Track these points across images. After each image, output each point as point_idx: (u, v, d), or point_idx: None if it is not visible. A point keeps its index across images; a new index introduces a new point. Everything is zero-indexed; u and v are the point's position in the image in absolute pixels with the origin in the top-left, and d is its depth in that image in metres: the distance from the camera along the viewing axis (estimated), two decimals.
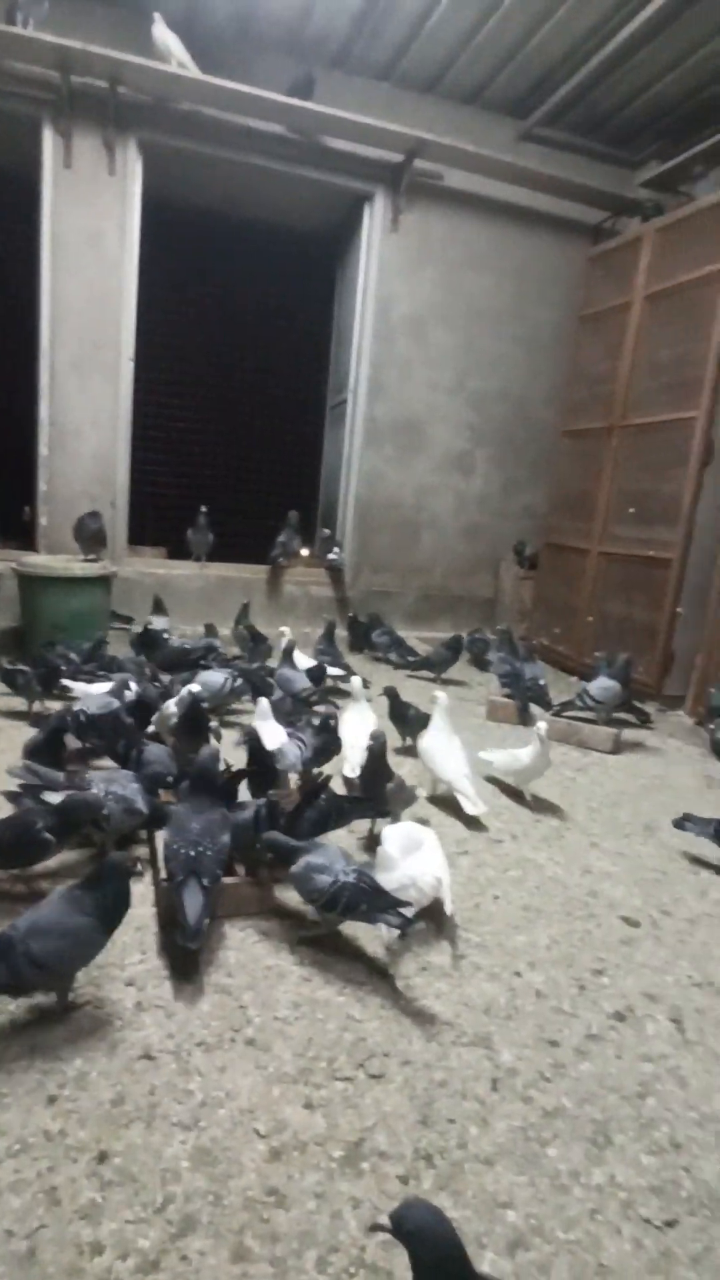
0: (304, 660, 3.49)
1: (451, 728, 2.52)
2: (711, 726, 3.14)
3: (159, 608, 4.17)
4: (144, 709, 2.65)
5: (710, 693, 3.40)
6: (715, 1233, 1.13)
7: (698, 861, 2.33)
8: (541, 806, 2.62)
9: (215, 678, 3.12)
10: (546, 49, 4.31)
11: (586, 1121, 1.31)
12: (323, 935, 1.72)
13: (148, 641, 3.68)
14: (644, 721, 3.65)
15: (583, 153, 5.17)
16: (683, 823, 2.35)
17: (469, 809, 2.38)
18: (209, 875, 1.62)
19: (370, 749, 2.13)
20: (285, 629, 3.60)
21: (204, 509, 4.90)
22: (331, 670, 3.57)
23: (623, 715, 3.57)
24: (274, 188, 4.86)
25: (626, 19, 3.90)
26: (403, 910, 1.58)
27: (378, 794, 2.10)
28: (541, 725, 2.50)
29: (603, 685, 3.39)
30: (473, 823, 2.42)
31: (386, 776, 2.15)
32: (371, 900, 1.59)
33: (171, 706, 2.53)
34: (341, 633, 4.51)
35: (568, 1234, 1.10)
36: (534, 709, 3.54)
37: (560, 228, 5.17)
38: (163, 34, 3.92)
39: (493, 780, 2.78)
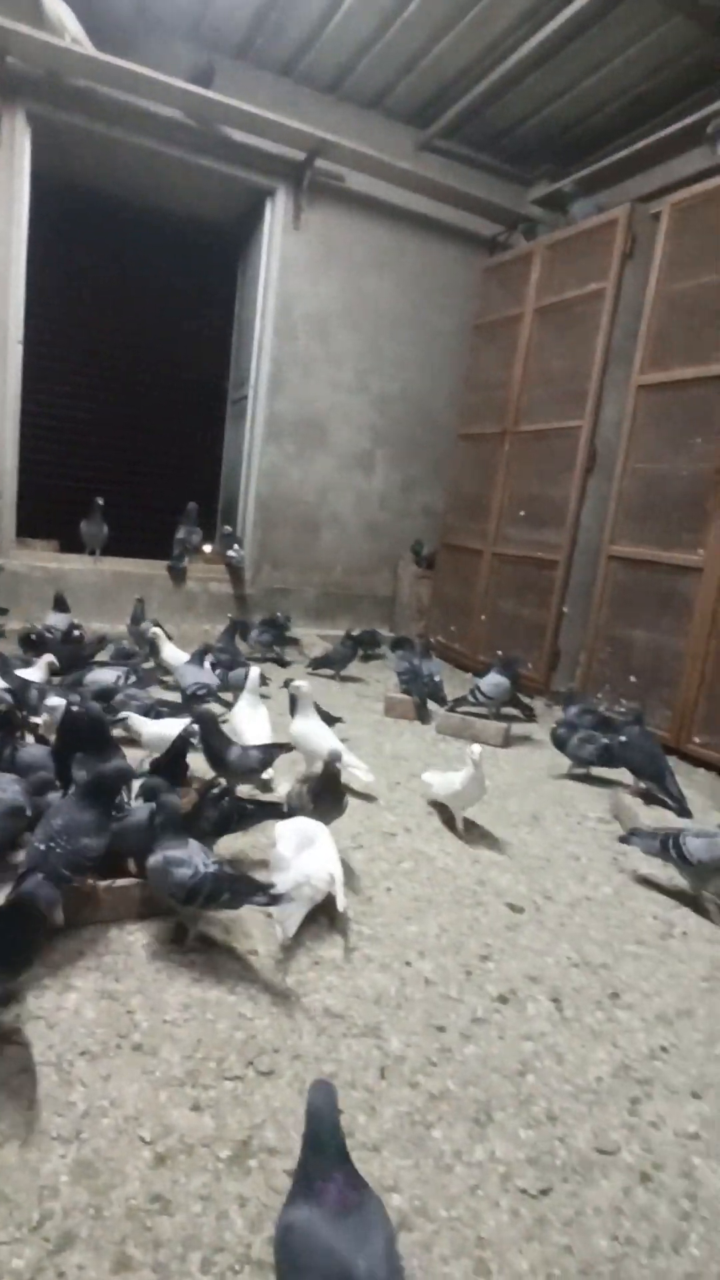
0: (179, 654, 3.50)
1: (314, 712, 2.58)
2: (555, 725, 3.24)
3: (60, 604, 3.98)
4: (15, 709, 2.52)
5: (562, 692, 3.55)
6: (586, 1196, 1.20)
7: (577, 850, 2.46)
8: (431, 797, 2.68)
9: (107, 675, 3.03)
10: (444, 63, 4.42)
11: (470, 1102, 1.36)
12: (205, 935, 1.71)
13: (39, 639, 3.52)
14: (529, 716, 3.80)
15: (479, 166, 5.34)
16: (628, 838, 2.24)
17: (362, 777, 2.47)
18: (52, 872, 1.56)
19: (326, 770, 2.11)
20: (155, 625, 3.76)
21: (100, 500, 4.73)
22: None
23: (510, 710, 3.72)
24: (176, 176, 4.76)
25: (517, 44, 4.06)
26: (271, 892, 1.60)
27: (327, 814, 2.05)
28: (475, 749, 2.30)
29: (493, 682, 3.51)
30: (367, 817, 2.46)
31: (339, 796, 2.11)
32: (234, 887, 1.59)
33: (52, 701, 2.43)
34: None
35: (450, 1211, 1.14)
36: (431, 705, 3.63)
37: (459, 238, 5.32)
38: (55, 6, 3.76)
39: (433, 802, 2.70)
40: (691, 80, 4.22)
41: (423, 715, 3.61)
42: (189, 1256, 1.03)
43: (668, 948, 1.91)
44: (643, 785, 2.62)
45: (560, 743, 3.01)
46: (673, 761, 3.27)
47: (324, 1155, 0.91)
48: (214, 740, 2.22)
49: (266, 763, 2.30)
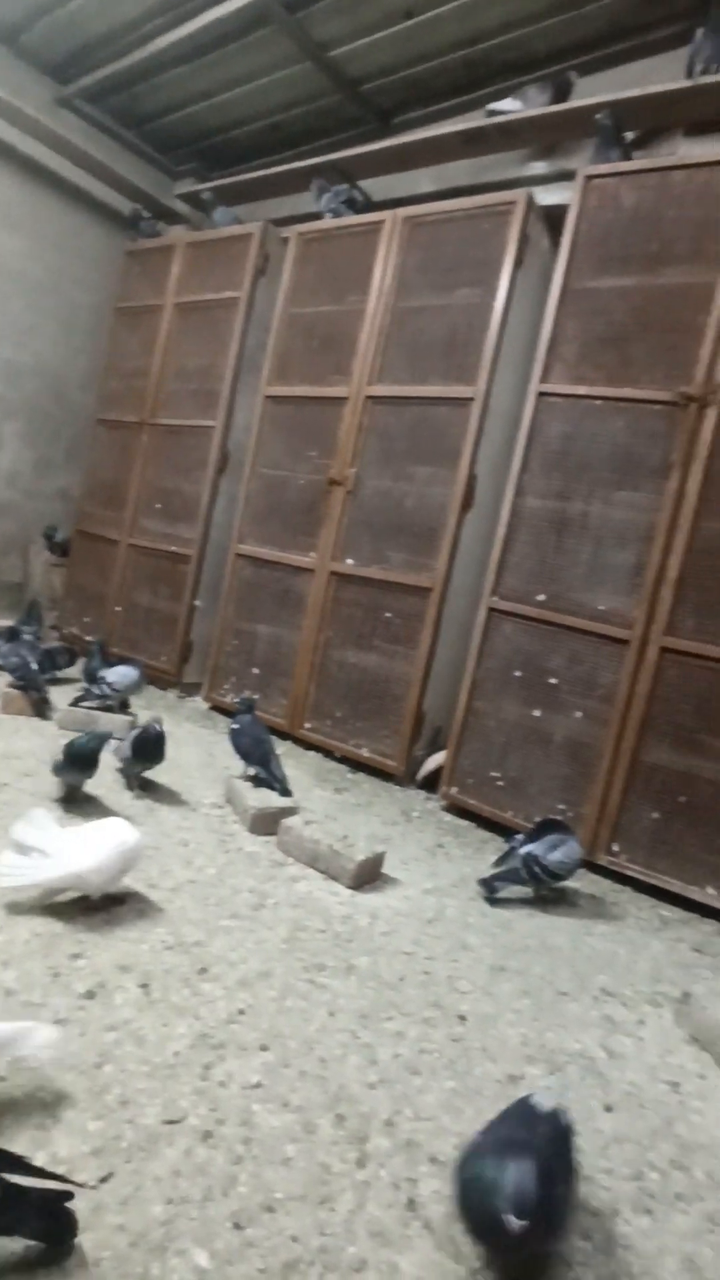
0: None
1: None
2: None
3: None
4: None
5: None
6: (147, 1169, 1.22)
7: (187, 837, 2.51)
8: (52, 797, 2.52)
9: None
10: (84, 21, 4.18)
11: (35, 1108, 1.30)
12: None
13: None
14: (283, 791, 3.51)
15: (128, 146, 5.16)
16: (491, 891, 2.31)
17: None
18: None
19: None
20: None
21: None
22: None
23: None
24: None
25: (158, 32, 4.01)
26: None
27: None
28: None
29: (121, 673, 3.43)
30: None
31: None
32: None
33: None
34: None
35: None
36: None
37: (104, 213, 5.08)
38: None
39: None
40: (323, 125, 4.62)
41: (42, 711, 3.36)
42: None
43: (258, 918, 2.06)
44: (251, 770, 2.78)
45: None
46: (287, 746, 3.55)
47: None
48: None
49: None
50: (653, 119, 3.31)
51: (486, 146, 3.83)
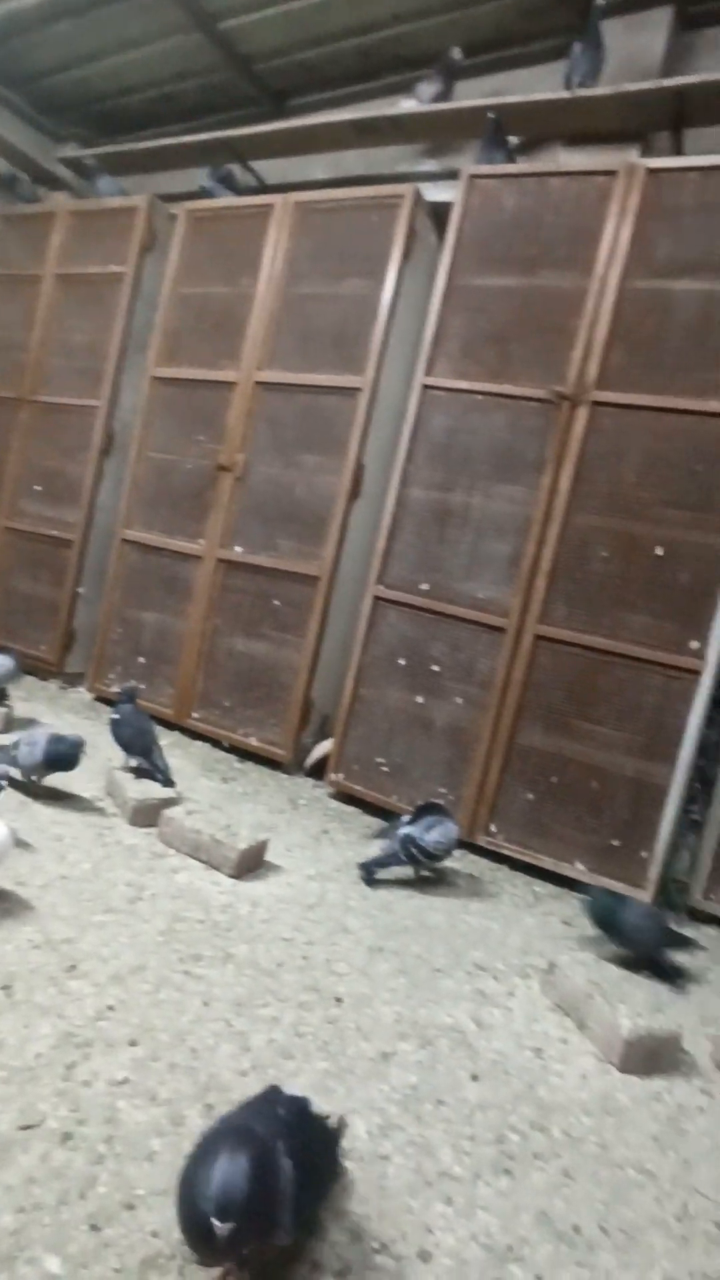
0: None
1: None
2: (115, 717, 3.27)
3: None
4: None
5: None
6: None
7: (62, 832, 2.42)
8: None
9: None
10: None
11: None
12: None
13: None
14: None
15: (6, 103, 4.85)
16: (369, 873, 2.36)
17: None
18: None
19: None
20: None
21: None
22: None
23: None
24: None
25: None
26: None
27: None
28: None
29: None
30: None
31: None
32: None
33: None
34: None
35: None
36: None
37: None
38: None
39: None
40: (217, 101, 4.51)
41: None
42: None
43: (135, 911, 2.00)
44: (134, 762, 2.71)
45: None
46: (175, 736, 3.48)
47: None
48: None
49: None
50: (535, 127, 3.43)
51: (379, 138, 3.85)
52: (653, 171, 2.68)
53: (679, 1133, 1.55)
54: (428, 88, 3.62)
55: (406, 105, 3.67)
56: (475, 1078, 1.60)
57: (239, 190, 4.07)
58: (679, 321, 2.61)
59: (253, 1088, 1.44)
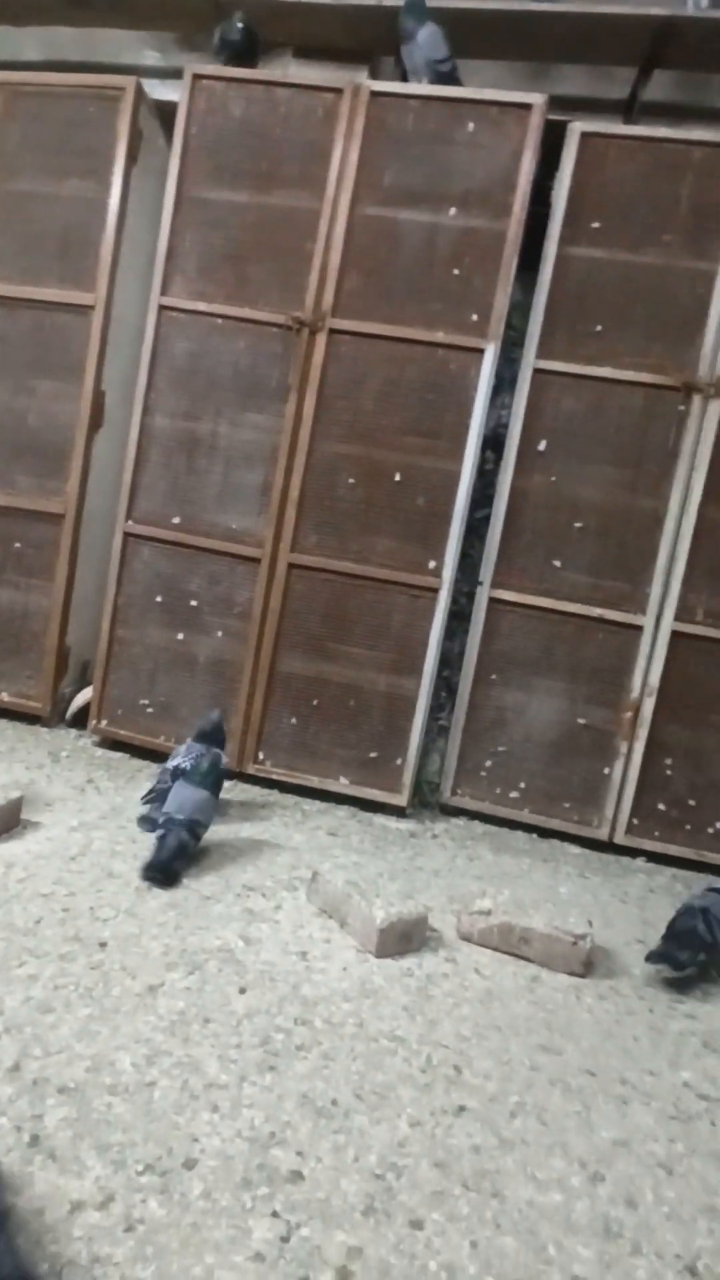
0: None
1: None
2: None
3: None
4: None
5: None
6: None
7: None
8: None
9: None
10: None
11: None
12: None
13: None
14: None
15: None
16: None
17: None
18: None
19: None
20: None
21: None
22: None
23: None
24: None
25: None
26: None
27: None
28: None
29: None
30: None
31: None
32: None
33: None
34: None
35: None
36: None
37: None
38: None
39: None
40: None
41: None
42: None
43: None
44: None
45: None
46: None
47: None
48: None
49: None
50: (264, 30, 3.26)
51: (94, 17, 3.44)
52: (376, 95, 2.68)
53: (426, 999, 1.75)
54: None
55: None
56: (243, 990, 1.67)
57: None
58: (407, 251, 2.68)
59: (8, 1050, 1.39)
